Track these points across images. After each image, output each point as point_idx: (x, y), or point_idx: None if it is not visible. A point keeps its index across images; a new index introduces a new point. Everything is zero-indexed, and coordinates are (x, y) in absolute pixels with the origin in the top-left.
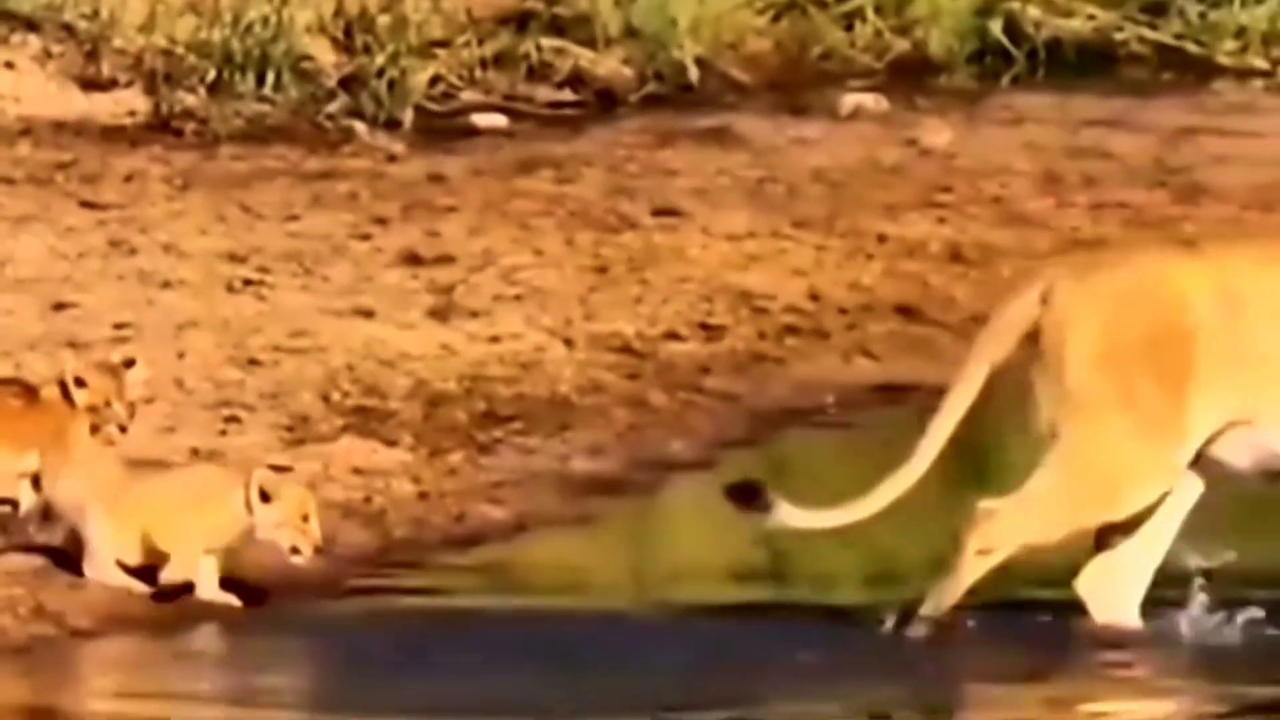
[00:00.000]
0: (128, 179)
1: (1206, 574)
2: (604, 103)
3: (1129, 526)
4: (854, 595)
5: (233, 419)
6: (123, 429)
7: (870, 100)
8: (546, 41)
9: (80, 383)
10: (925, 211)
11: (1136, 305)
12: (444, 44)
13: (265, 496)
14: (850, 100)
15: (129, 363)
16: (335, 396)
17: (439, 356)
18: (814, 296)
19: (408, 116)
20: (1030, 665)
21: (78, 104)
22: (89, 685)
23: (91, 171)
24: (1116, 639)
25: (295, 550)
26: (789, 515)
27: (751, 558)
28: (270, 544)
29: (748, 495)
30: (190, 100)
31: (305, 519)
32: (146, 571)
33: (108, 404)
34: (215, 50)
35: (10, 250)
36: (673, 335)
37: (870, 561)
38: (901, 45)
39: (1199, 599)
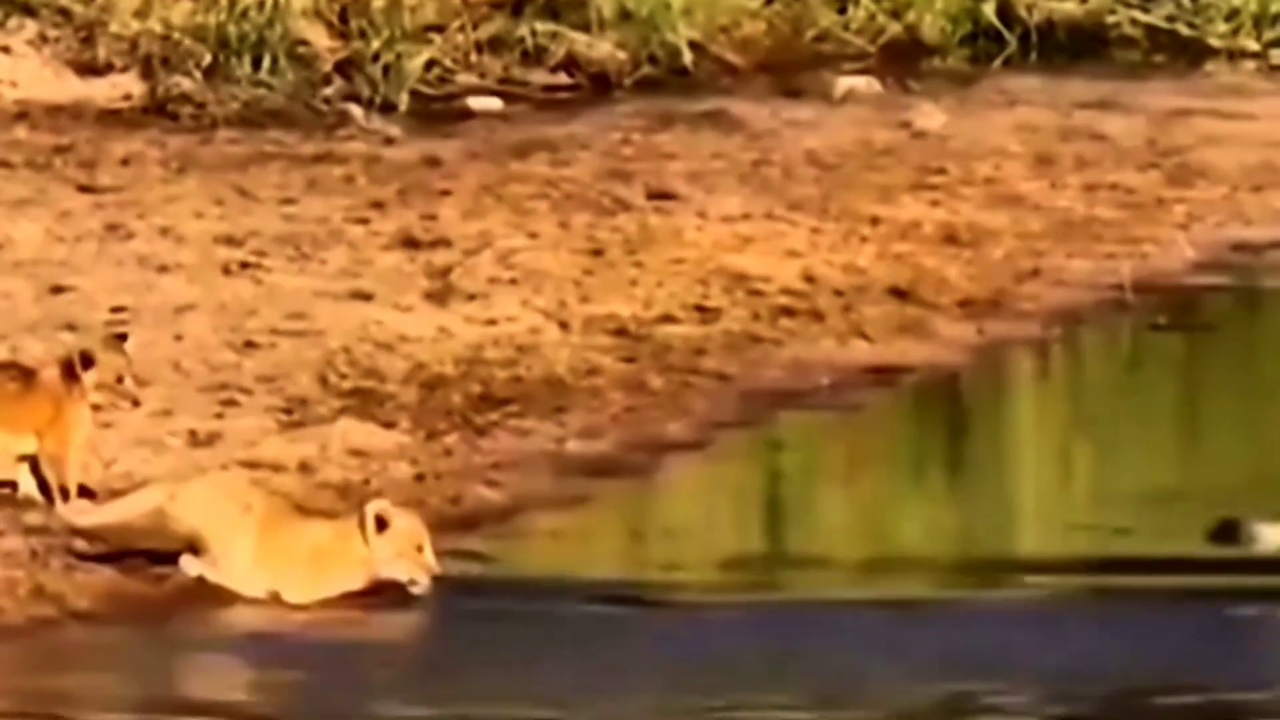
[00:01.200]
0: (124, 163)
1: None
2: (599, 86)
3: None
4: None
5: (230, 402)
6: (136, 404)
7: (864, 83)
8: (541, 25)
9: (88, 361)
10: (918, 193)
11: None
12: (439, 28)
13: (381, 525)
14: (844, 83)
15: (121, 337)
16: (332, 379)
17: (435, 339)
18: (808, 278)
19: (403, 100)
20: None
21: (74, 88)
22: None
23: (88, 156)
24: None
25: (413, 582)
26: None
27: (745, 540)
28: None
29: (1228, 534)
30: (186, 84)
31: (419, 549)
32: None
33: (120, 380)
34: (211, 35)
35: (7, 234)
36: (668, 317)
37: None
38: (894, 28)
39: None
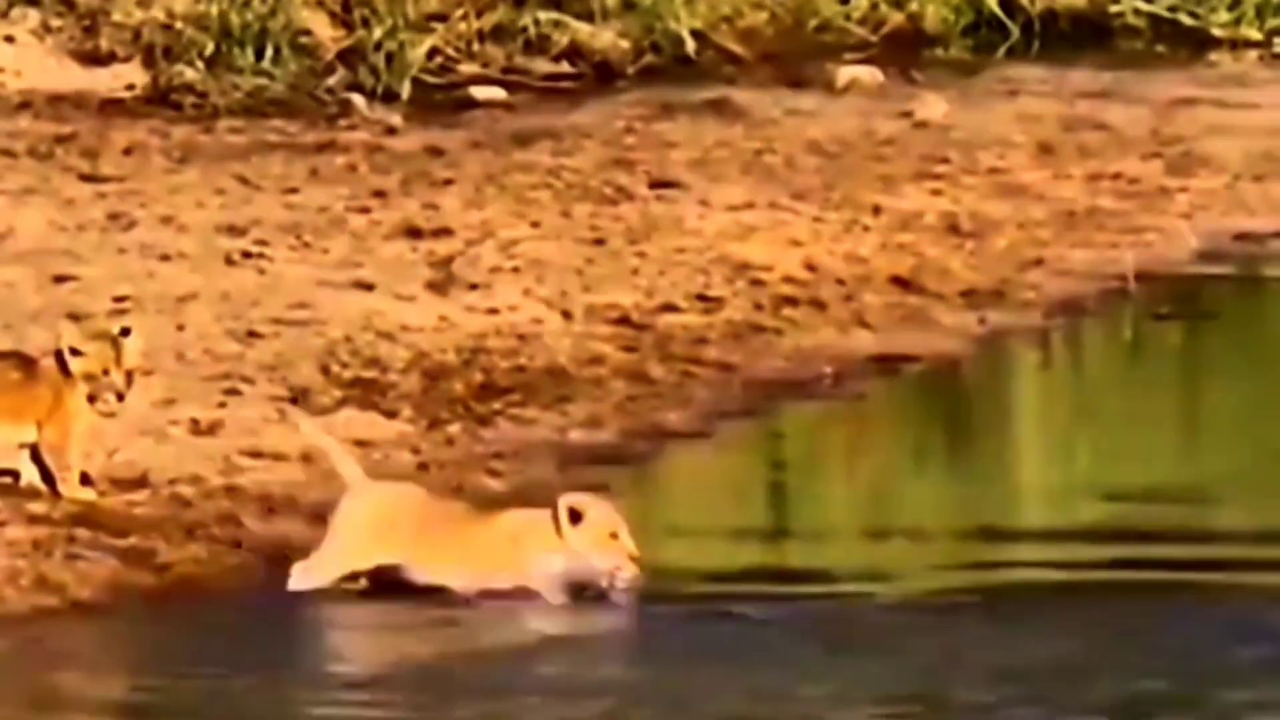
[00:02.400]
0: (127, 152)
1: None
2: (601, 75)
3: None
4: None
5: (232, 391)
6: (120, 397)
7: (866, 73)
8: (544, 15)
9: (75, 351)
10: (921, 183)
11: None
12: (442, 17)
13: (575, 518)
14: (846, 73)
15: (125, 331)
16: (334, 368)
17: (437, 328)
18: (811, 267)
19: (406, 90)
20: None
21: (77, 78)
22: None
23: (91, 145)
24: None
25: (616, 569)
26: None
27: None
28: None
29: None
30: (189, 74)
31: (614, 536)
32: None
33: (105, 372)
34: (214, 24)
35: (10, 223)
36: (670, 307)
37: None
38: (897, 18)
39: None
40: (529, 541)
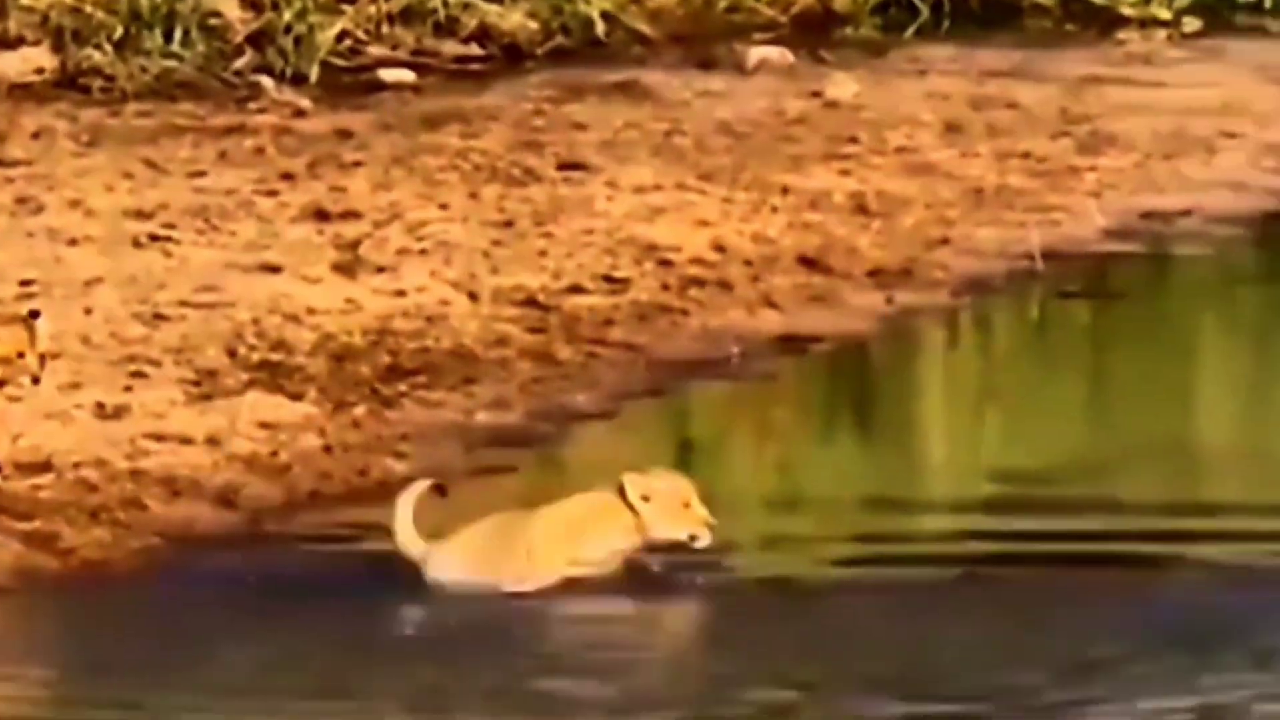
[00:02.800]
0: (35, 136)
1: None
2: (510, 57)
3: None
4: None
5: (139, 374)
6: (35, 380)
7: (775, 53)
8: None
9: None
10: (830, 163)
11: None
12: (351, 0)
13: (645, 496)
14: (756, 53)
15: (34, 314)
16: (241, 351)
17: (344, 311)
18: (719, 248)
19: (314, 72)
20: None
21: None
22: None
23: None
24: None
25: (693, 538)
26: None
27: None
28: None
29: None
30: (97, 57)
31: (687, 505)
32: None
33: (20, 355)
34: (122, 7)
35: None
36: (577, 288)
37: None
38: None
39: None
40: (600, 525)
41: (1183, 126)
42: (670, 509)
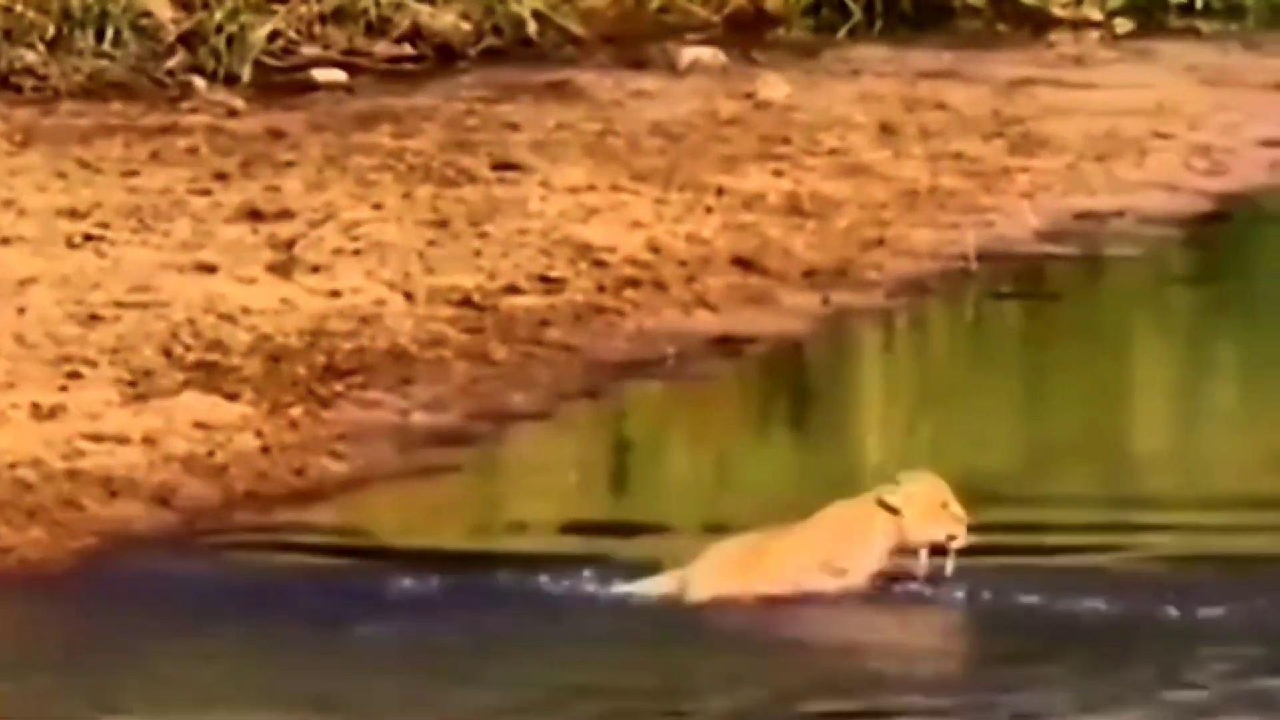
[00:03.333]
0: None
1: None
2: (443, 57)
3: None
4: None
5: (74, 374)
6: None
7: (708, 54)
8: None
9: None
10: (763, 164)
11: None
12: (283, 0)
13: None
14: (688, 54)
15: None
16: (177, 351)
17: (279, 311)
18: (653, 249)
19: (247, 72)
20: None
21: None
22: None
23: None
24: None
25: (951, 538)
26: None
27: (589, 509)
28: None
29: None
30: (30, 57)
31: (945, 505)
32: None
33: None
34: (54, 7)
35: None
36: (512, 288)
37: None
38: None
39: None
40: (862, 532)
41: (1115, 128)
42: (930, 511)
